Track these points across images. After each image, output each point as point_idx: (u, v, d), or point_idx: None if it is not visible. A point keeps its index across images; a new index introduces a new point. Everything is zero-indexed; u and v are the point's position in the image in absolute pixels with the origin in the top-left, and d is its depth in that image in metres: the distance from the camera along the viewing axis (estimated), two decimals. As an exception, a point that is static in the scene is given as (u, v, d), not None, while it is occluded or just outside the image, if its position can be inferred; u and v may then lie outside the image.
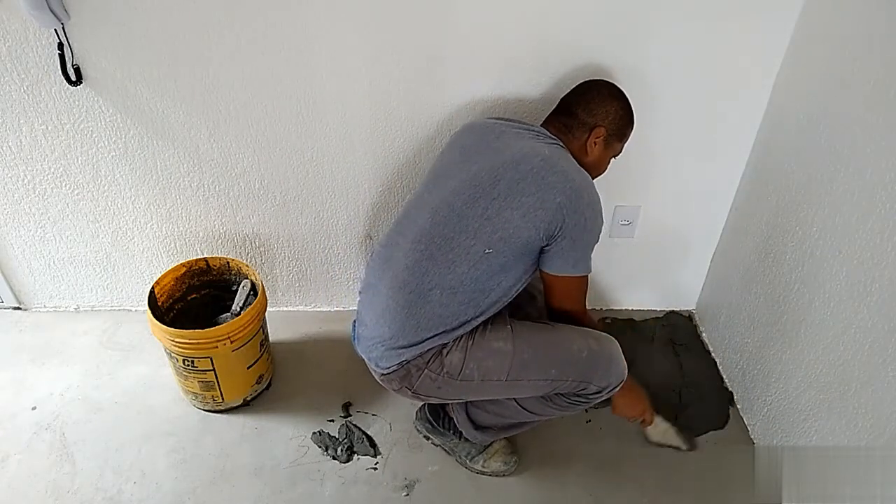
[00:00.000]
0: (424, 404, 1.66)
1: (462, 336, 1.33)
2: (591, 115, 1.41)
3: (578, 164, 1.40)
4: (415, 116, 1.67)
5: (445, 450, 1.64)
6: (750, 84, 1.64)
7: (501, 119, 1.48)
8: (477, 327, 1.35)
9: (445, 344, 1.33)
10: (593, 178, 1.47)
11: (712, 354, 1.97)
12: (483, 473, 1.61)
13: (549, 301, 1.44)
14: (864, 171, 1.31)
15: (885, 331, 1.24)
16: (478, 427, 1.55)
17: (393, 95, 1.63)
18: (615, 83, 1.47)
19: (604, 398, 1.42)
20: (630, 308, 2.13)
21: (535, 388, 1.38)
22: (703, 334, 2.04)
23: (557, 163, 1.31)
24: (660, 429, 1.66)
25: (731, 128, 1.72)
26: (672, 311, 2.12)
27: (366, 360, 1.42)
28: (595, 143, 1.42)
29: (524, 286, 1.40)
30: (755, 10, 1.52)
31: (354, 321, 1.48)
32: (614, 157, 1.51)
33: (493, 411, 1.50)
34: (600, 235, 1.36)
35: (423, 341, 1.31)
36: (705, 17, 1.53)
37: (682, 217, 1.91)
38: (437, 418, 1.63)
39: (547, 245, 1.31)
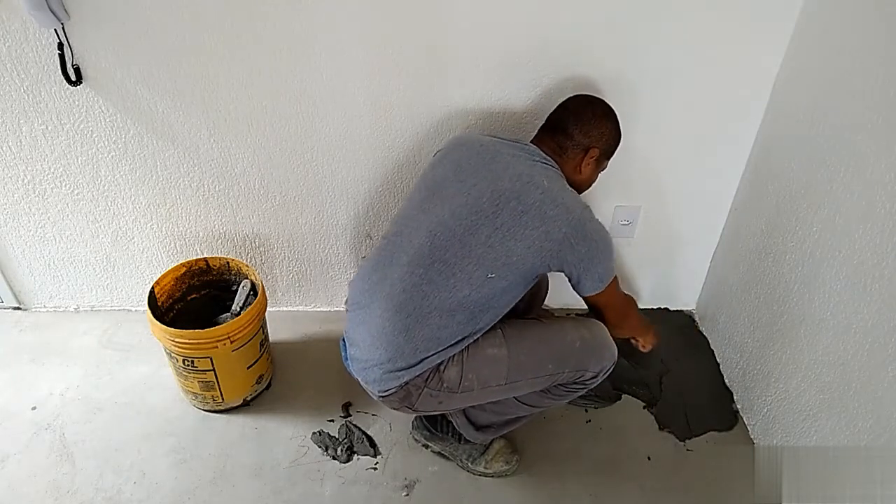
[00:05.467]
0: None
1: (457, 352, 1.34)
2: (587, 136, 1.42)
3: (570, 181, 1.41)
4: (415, 116, 1.67)
5: (445, 455, 1.63)
6: (750, 84, 1.64)
7: (493, 136, 1.46)
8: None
9: (441, 361, 1.33)
10: (582, 193, 1.48)
11: (713, 354, 1.97)
12: (485, 475, 1.61)
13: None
14: (864, 171, 1.31)
15: (885, 331, 1.24)
16: (478, 427, 1.55)
17: (393, 95, 1.63)
18: (604, 98, 1.48)
19: (598, 381, 1.45)
20: (630, 308, 2.13)
21: (535, 385, 1.40)
22: (704, 334, 2.04)
23: (557, 195, 1.31)
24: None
25: (731, 128, 1.72)
26: (672, 311, 2.12)
27: (360, 382, 1.41)
28: (588, 164, 1.44)
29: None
30: (755, 11, 1.52)
31: (343, 340, 1.47)
32: (601, 171, 1.53)
33: (491, 409, 1.50)
34: (612, 247, 1.37)
35: (420, 362, 1.31)
36: (705, 18, 1.53)
37: (682, 217, 1.91)
38: (434, 424, 1.62)
39: (563, 272, 1.34)
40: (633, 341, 1.64)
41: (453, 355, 1.33)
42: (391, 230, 1.42)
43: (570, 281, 1.37)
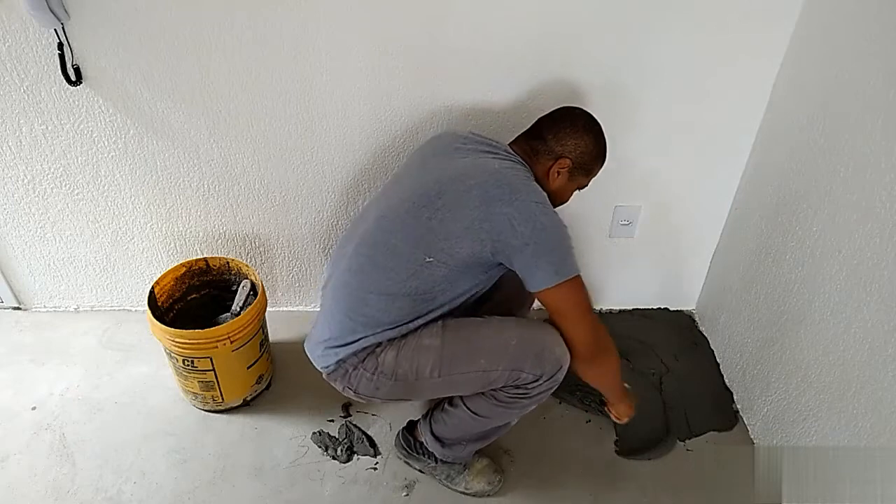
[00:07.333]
0: (399, 431, 1.63)
1: (396, 337, 1.33)
2: (560, 145, 1.37)
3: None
4: (415, 116, 1.67)
5: (426, 473, 1.61)
6: (750, 84, 1.64)
7: (474, 134, 1.46)
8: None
9: (380, 343, 1.33)
10: (554, 208, 1.42)
11: (713, 354, 1.97)
12: (466, 494, 1.57)
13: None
14: (864, 171, 1.31)
15: (885, 331, 1.24)
16: (445, 444, 1.52)
17: (393, 95, 1.63)
18: (593, 115, 1.41)
19: (543, 389, 1.33)
20: (630, 308, 2.13)
21: (470, 382, 1.35)
22: (704, 334, 2.04)
23: (504, 176, 1.27)
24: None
25: (731, 128, 1.72)
26: (672, 311, 2.12)
27: (311, 359, 1.44)
28: (559, 173, 1.39)
29: (474, 297, 1.38)
30: (755, 11, 1.52)
31: None
32: (579, 189, 1.47)
33: (451, 424, 1.47)
34: (570, 240, 1.27)
35: (356, 341, 1.33)
36: (705, 18, 1.53)
37: (682, 217, 1.91)
38: (408, 444, 1.60)
39: (510, 262, 1.26)
40: (607, 410, 1.56)
41: (392, 339, 1.33)
42: (357, 215, 1.47)
43: (520, 275, 1.26)
